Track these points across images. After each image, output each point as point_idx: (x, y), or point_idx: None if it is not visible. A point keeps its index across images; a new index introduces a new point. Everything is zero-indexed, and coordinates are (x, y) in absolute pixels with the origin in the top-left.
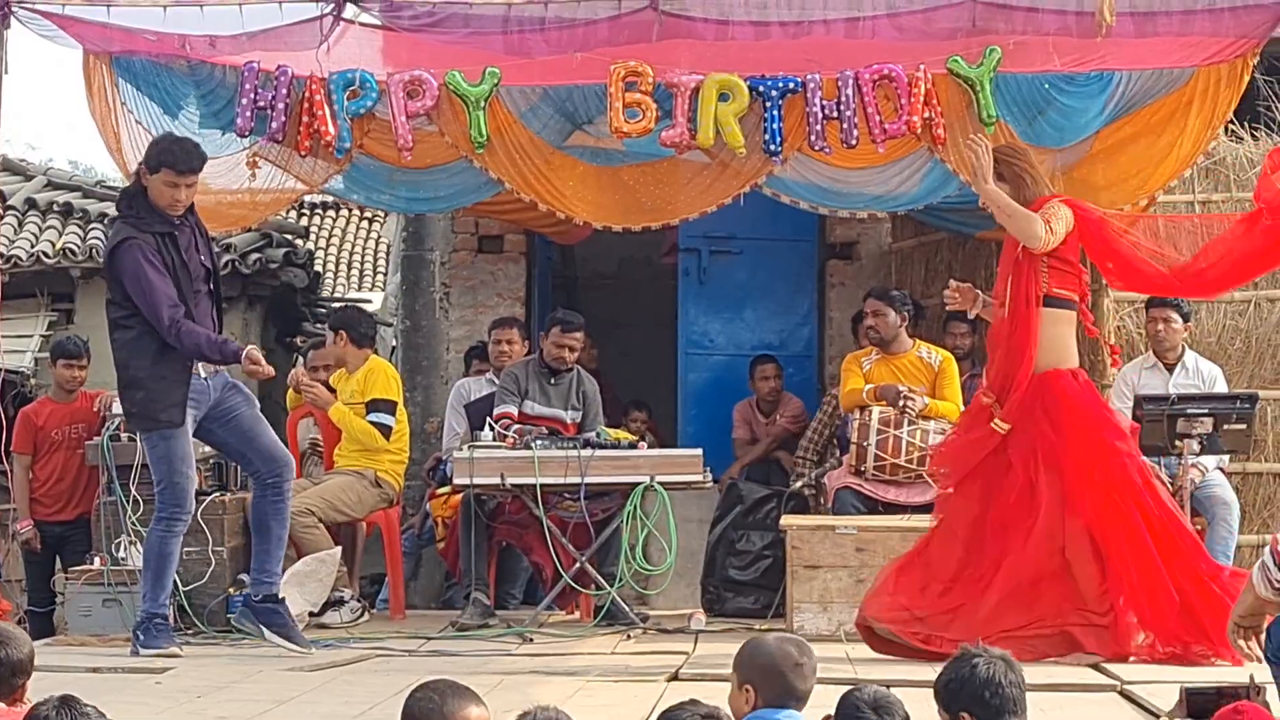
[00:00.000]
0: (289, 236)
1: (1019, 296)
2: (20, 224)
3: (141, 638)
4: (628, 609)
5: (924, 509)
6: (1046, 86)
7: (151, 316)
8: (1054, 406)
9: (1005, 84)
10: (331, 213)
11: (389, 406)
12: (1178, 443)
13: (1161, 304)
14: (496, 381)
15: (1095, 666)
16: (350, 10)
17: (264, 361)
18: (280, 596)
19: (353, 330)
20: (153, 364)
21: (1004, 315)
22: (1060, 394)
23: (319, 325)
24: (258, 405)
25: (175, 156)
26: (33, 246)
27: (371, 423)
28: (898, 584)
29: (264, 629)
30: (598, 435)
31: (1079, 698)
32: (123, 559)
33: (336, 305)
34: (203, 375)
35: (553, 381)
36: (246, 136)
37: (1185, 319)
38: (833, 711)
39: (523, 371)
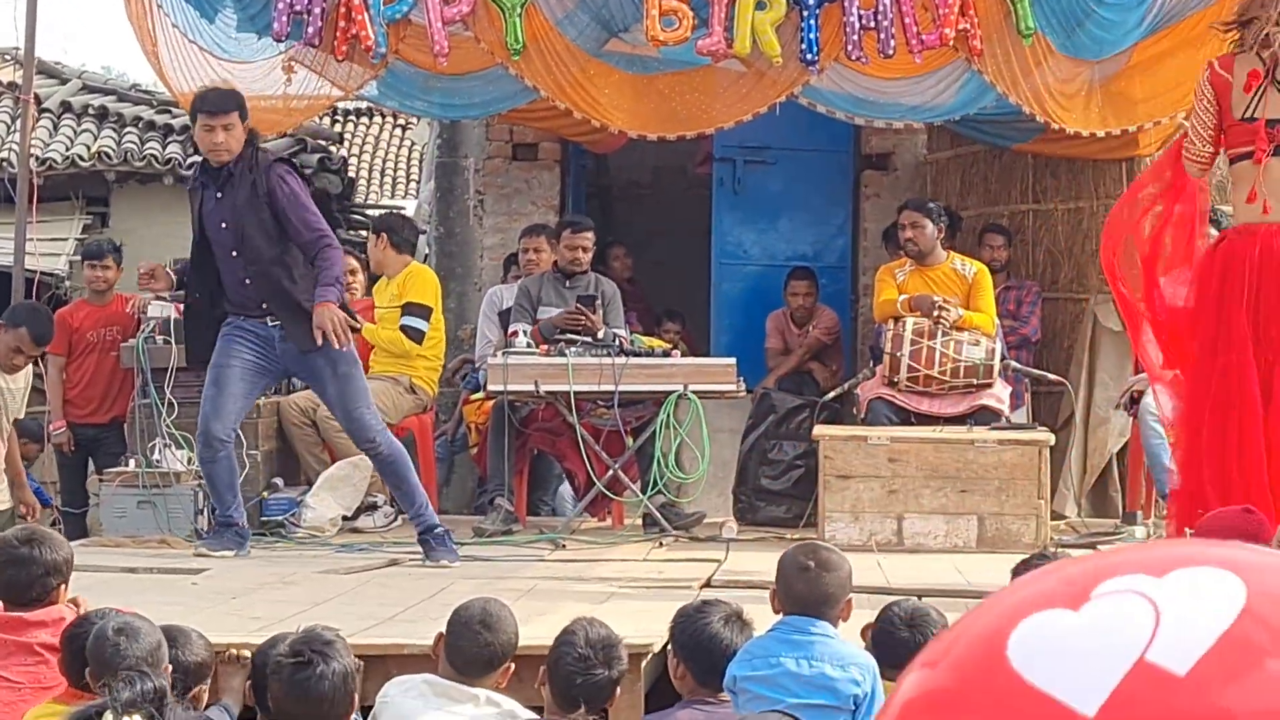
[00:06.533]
0: (323, 142)
1: None
2: (55, 127)
3: (208, 535)
4: (661, 517)
5: (956, 420)
6: None
7: None
8: None
9: None
10: (365, 119)
11: (422, 311)
12: None
13: None
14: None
15: None
16: None
17: None
18: (436, 528)
19: (394, 234)
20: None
21: None
22: None
23: (353, 232)
24: (343, 352)
25: (203, 100)
26: (67, 150)
27: (402, 326)
28: None
29: (442, 559)
30: (631, 342)
31: None
32: (157, 461)
33: (371, 212)
34: (269, 324)
35: (568, 285)
36: (283, 41)
37: None
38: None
39: (536, 283)
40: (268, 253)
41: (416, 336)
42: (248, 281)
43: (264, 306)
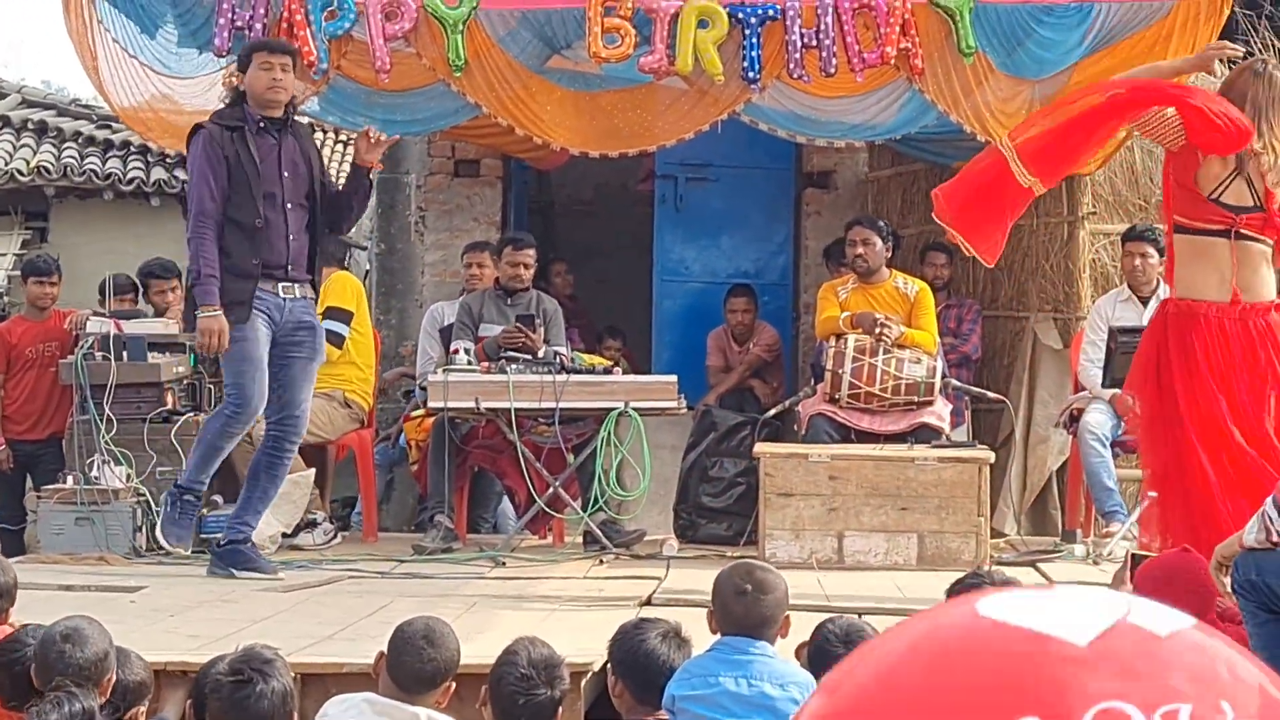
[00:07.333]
0: None
1: None
2: None
3: (164, 509)
4: (601, 534)
5: (897, 438)
6: (1026, 17)
7: (190, 200)
8: None
9: (984, 14)
10: None
11: (342, 315)
12: None
13: (1138, 238)
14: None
15: None
16: None
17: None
18: (247, 542)
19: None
20: (222, 254)
21: None
22: None
23: None
24: (320, 358)
25: (263, 42)
26: (6, 164)
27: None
28: None
29: (232, 570)
30: (572, 360)
31: None
32: (95, 478)
33: None
34: (282, 295)
35: (509, 302)
36: (224, 56)
37: (1161, 253)
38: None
39: (477, 300)
40: (316, 207)
41: (337, 340)
42: (291, 238)
43: (288, 270)
